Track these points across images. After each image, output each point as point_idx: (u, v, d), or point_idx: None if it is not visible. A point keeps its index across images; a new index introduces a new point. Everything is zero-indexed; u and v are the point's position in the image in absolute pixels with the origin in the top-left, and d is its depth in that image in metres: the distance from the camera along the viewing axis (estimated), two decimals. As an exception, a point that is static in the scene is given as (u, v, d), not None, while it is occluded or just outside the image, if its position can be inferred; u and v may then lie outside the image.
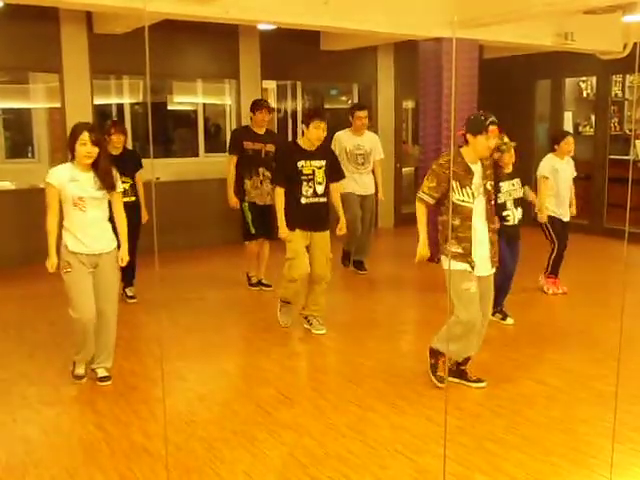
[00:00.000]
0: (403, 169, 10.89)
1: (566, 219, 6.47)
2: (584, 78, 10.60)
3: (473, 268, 4.10)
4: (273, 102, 10.45)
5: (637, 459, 3.44)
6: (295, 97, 10.49)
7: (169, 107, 9.73)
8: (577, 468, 3.38)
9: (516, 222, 5.48)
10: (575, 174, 6.57)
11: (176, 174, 8.63)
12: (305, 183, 5.20)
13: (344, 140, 7.22)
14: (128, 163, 6.00)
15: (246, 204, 6.54)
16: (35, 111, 8.74)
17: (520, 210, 5.52)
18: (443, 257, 4.24)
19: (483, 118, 4.06)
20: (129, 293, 6.41)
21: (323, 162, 5.27)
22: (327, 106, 11.30)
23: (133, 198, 6.07)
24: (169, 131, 9.93)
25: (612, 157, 9.73)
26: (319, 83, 10.85)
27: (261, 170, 6.43)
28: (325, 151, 5.38)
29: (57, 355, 4.90)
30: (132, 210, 5.70)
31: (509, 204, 5.44)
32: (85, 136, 4.12)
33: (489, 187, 4.18)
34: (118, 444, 3.63)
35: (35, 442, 3.72)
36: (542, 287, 6.66)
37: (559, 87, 10.34)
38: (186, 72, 9.06)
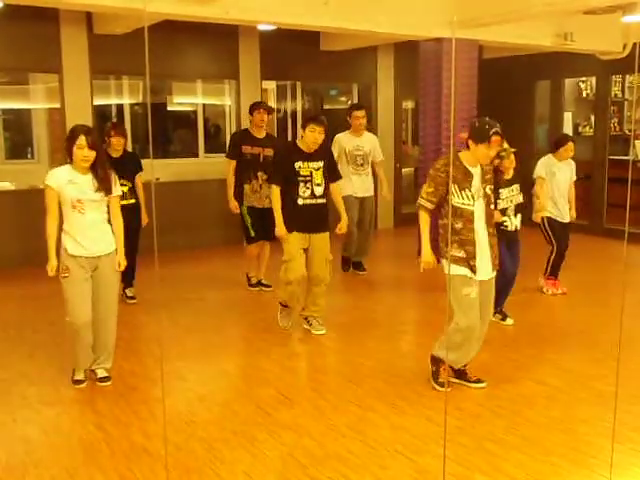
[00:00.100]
0: (403, 169, 10.89)
1: (566, 220, 6.47)
2: (584, 78, 10.60)
3: (475, 273, 4.09)
4: (273, 102, 10.46)
5: (637, 459, 3.44)
6: (295, 97, 10.50)
7: (169, 108, 9.74)
8: (577, 468, 3.38)
9: (513, 229, 5.48)
10: (575, 178, 6.57)
11: (176, 175, 8.63)
12: (302, 184, 5.20)
13: (344, 142, 7.22)
14: (128, 166, 5.99)
15: (245, 208, 6.55)
16: (35, 112, 8.75)
17: (519, 217, 5.52)
18: (444, 261, 4.21)
19: (487, 127, 4.01)
20: (129, 294, 6.41)
21: (321, 163, 5.27)
22: (327, 106, 11.31)
23: (132, 201, 6.07)
24: (169, 132, 9.93)
25: (612, 157, 9.73)
26: (319, 83, 10.86)
27: (260, 174, 6.42)
28: (323, 152, 5.38)
29: (57, 355, 4.90)
30: (132, 213, 5.70)
31: (509, 211, 5.43)
32: (82, 140, 4.11)
33: (488, 191, 4.16)
34: (118, 444, 3.63)
35: (35, 442, 3.72)
36: (541, 288, 6.66)
37: (559, 87, 10.34)
38: (186, 73, 9.06)
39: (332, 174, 5.43)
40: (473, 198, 4.08)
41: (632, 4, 7.22)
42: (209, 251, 8.62)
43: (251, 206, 6.53)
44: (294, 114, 10.50)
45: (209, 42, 8.73)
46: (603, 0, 6.89)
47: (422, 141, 8.30)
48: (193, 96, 9.56)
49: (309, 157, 5.22)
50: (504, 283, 5.27)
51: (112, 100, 9.09)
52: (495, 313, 5.45)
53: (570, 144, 6.40)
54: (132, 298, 6.40)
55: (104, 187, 4.23)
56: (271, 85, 10.29)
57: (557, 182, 6.35)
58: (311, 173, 5.22)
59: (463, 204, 4.07)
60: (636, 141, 10.11)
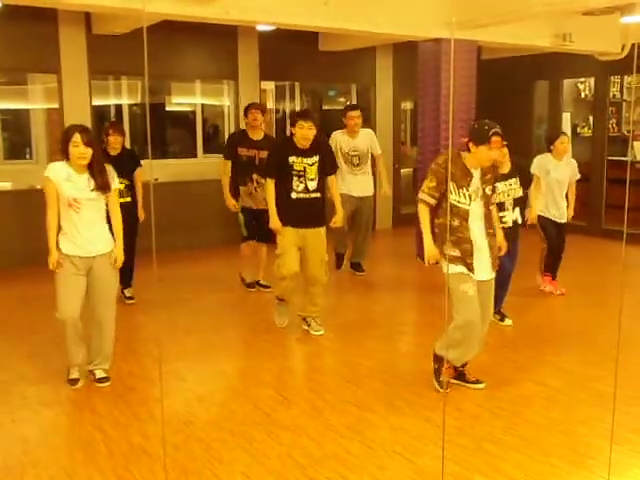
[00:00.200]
0: (401, 170, 10.89)
1: (561, 220, 6.43)
2: (582, 79, 10.61)
3: (472, 271, 4.09)
4: (271, 103, 10.46)
5: (636, 460, 3.45)
6: (294, 98, 10.50)
7: (167, 108, 9.73)
8: (576, 469, 3.38)
9: (511, 224, 5.45)
10: (579, 176, 6.54)
11: (174, 175, 8.63)
12: (296, 178, 5.21)
13: (340, 141, 7.21)
14: (126, 163, 5.99)
15: (239, 207, 6.56)
16: (33, 112, 8.74)
17: (517, 211, 5.49)
18: (442, 261, 4.21)
19: (487, 128, 4.01)
20: (127, 294, 6.41)
21: (316, 158, 5.26)
22: (326, 107, 11.31)
23: (129, 199, 6.06)
24: (167, 132, 9.93)
25: (610, 158, 9.74)
26: (318, 84, 10.86)
27: (255, 177, 6.39)
28: (318, 146, 5.34)
29: (56, 356, 4.88)
30: (128, 211, 5.68)
31: (507, 204, 5.41)
32: (77, 138, 4.09)
33: (488, 192, 4.15)
34: (116, 445, 3.63)
35: (33, 442, 3.71)
36: (539, 286, 6.67)
37: (557, 88, 10.35)
38: (185, 73, 9.06)
39: (328, 167, 5.41)
40: (470, 198, 4.08)
41: (631, 5, 7.23)
42: (208, 251, 8.62)
43: (245, 207, 6.54)
44: (293, 115, 10.48)
45: (208, 42, 8.72)
46: (602, 1, 6.89)
47: (421, 142, 8.30)
48: (192, 96, 9.55)
49: (303, 152, 5.22)
50: (501, 281, 5.21)
51: (111, 100, 9.09)
52: (494, 313, 5.44)
53: (563, 137, 6.39)
54: (131, 298, 6.39)
55: (101, 186, 4.21)
56: (270, 85, 10.29)
57: (551, 180, 6.31)
58: (305, 168, 5.22)
59: (459, 202, 4.07)
60: (634, 142, 10.13)
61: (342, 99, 11.10)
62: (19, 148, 8.80)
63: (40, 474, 3.35)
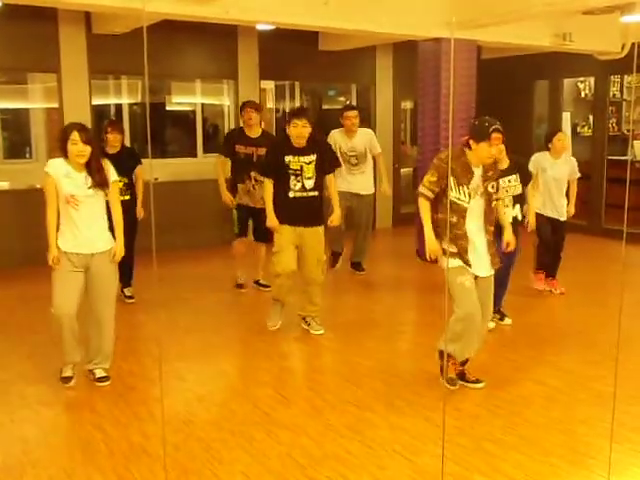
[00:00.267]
0: (401, 169, 10.89)
1: (560, 219, 6.39)
2: (582, 78, 10.61)
3: (469, 266, 4.09)
4: (271, 102, 10.45)
5: (635, 459, 3.45)
6: (293, 97, 10.49)
7: (167, 107, 9.72)
8: (576, 468, 3.38)
9: (511, 220, 5.42)
10: (578, 175, 6.50)
11: (174, 174, 8.62)
12: (293, 177, 5.21)
13: (338, 140, 7.20)
14: (125, 161, 5.96)
15: (235, 204, 6.56)
16: (33, 111, 8.73)
17: (517, 208, 5.47)
18: (441, 257, 4.21)
19: (487, 125, 4.01)
20: (127, 293, 6.41)
21: (313, 157, 5.25)
22: (325, 106, 11.30)
23: (128, 197, 6.05)
24: (167, 131, 9.92)
25: (610, 157, 9.75)
26: (317, 83, 10.85)
27: (253, 174, 6.37)
28: (316, 145, 5.33)
29: (56, 356, 4.85)
30: (127, 209, 5.64)
31: (507, 201, 5.39)
32: (75, 135, 4.09)
33: (490, 189, 4.15)
34: (116, 444, 3.63)
35: (33, 442, 3.71)
36: (532, 284, 6.66)
37: (557, 87, 10.35)
38: (185, 72, 9.05)
39: (327, 166, 5.39)
40: (469, 196, 4.08)
41: (630, 4, 7.23)
42: (208, 251, 8.61)
43: (242, 204, 6.53)
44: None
45: (208, 42, 8.72)
46: (602, 0, 6.89)
47: (421, 141, 8.30)
48: (192, 96, 9.55)
49: (300, 151, 5.22)
50: (499, 280, 5.15)
51: (111, 100, 9.08)
52: (493, 312, 5.43)
53: (560, 134, 6.38)
54: (130, 297, 6.39)
55: (99, 183, 4.20)
56: (270, 85, 10.28)
57: (547, 178, 6.27)
58: (301, 167, 5.21)
59: (459, 200, 4.07)
60: (634, 141, 10.13)
61: (342, 99, 11.09)
62: (19, 147, 8.80)
63: (39, 474, 3.35)
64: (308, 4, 6.56)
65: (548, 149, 6.38)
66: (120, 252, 4.38)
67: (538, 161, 6.30)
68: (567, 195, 6.48)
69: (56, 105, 8.13)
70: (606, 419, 3.64)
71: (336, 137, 7.24)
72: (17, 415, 4.02)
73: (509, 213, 5.39)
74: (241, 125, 6.82)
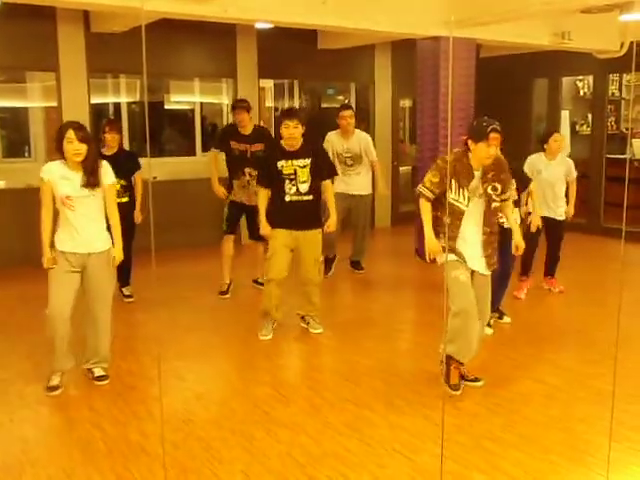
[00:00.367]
0: (400, 168, 10.89)
1: (557, 218, 6.33)
2: (581, 77, 10.62)
3: (464, 260, 4.09)
4: (270, 101, 10.45)
5: (634, 457, 3.45)
6: (292, 96, 10.49)
7: (166, 106, 9.72)
8: (575, 466, 3.38)
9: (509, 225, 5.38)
10: (575, 175, 6.43)
11: (173, 173, 8.62)
12: (287, 182, 5.18)
13: (334, 142, 7.17)
14: (123, 164, 5.91)
15: (228, 201, 6.54)
16: (32, 110, 8.73)
17: (516, 211, 5.45)
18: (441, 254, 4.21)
19: (485, 125, 4.00)
20: (126, 292, 6.40)
21: (307, 161, 5.21)
22: (324, 105, 11.30)
23: (125, 199, 6.03)
24: (166, 130, 9.91)
25: (609, 156, 9.75)
26: (316, 82, 10.85)
27: (247, 170, 6.35)
28: (311, 149, 5.30)
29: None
30: (124, 211, 5.63)
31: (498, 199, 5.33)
32: (71, 134, 4.08)
33: (490, 191, 4.11)
34: (115, 443, 3.63)
35: (32, 441, 3.71)
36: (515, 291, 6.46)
37: (556, 86, 10.35)
38: (183, 71, 9.04)
39: (322, 172, 5.35)
40: (468, 199, 4.06)
41: (629, 3, 7.23)
42: (207, 249, 8.58)
43: (234, 201, 6.50)
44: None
45: (206, 41, 8.71)
46: (600, -1, 6.89)
47: (419, 140, 8.30)
48: (190, 95, 9.54)
49: (293, 155, 5.20)
50: (499, 280, 5.13)
51: (109, 99, 9.07)
52: (492, 311, 5.42)
53: (556, 134, 6.32)
54: (129, 296, 6.39)
55: (91, 181, 4.16)
56: (269, 84, 10.28)
57: (541, 180, 6.17)
58: (295, 171, 5.18)
59: (457, 202, 4.06)
60: (633, 140, 10.13)
61: (341, 97, 11.09)
62: (17, 146, 8.79)
63: (39, 473, 3.35)
64: (306, 3, 6.56)
65: (543, 150, 6.33)
66: (119, 256, 4.37)
67: (533, 163, 6.24)
68: (566, 196, 6.44)
69: (55, 104, 8.12)
70: (605, 417, 3.65)
71: (332, 139, 7.21)
72: (16, 414, 4.02)
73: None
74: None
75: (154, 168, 8.15)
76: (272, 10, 6.40)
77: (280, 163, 5.17)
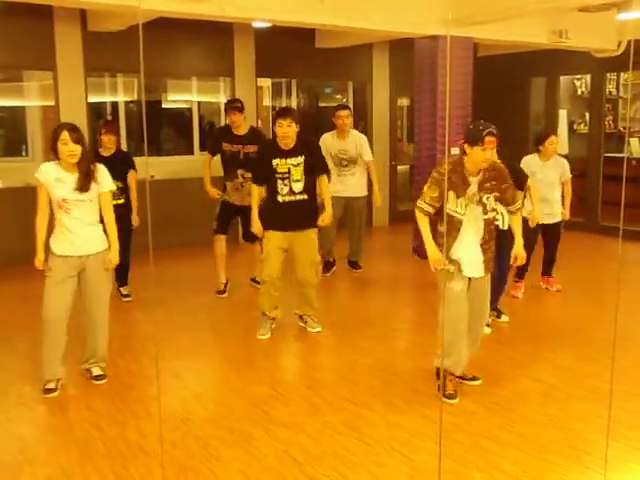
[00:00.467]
0: (398, 167, 10.90)
1: (552, 221, 6.29)
2: (579, 76, 10.62)
3: (460, 269, 4.08)
4: (268, 100, 10.44)
5: (632, 455, 3.46)
6: (290, 95, 10.48)
7: (164, 105, 9.71)
8: (572, 465, 3.39)
9: (506, 227, 5.36)
10: (569, 176, 6.38)
11: (171, 172, 8.61)
12: (280, 181, 5.17)
13: (329, 143, 7.13)
14: (120, 165, 5.89)
15: (221, 201, 6.53)
16: (29, 109, 8.71)
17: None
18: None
19: (481, 128, 3.96)
20: (124, 292, 6.40)
21: (301, 159, 5.19)
22: (322, 104, 11.30)
23: (122, 201, 6.01)
24: (163, 129, 9.91)
25: (607, 155, 9.75)
26: (314, 81, 10.85)
27: (240, 172, 6.33)
28: (304, 147, 5.27)
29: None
30: (121, 213, 5.61)
31: (499, 208, 5.31)
32: (65, 135, 4.07)
33: (485, 200, 4.04)
34: (114, 443, 3.63)
35: (30, 441, 3.71)
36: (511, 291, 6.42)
37: (554, 85, 10.36)
38: (181, 70, 9.04)
39: (316, 168, 5.33)
40: (466, 207, 4.04)
41: (627, 2, 7.24)
42: (204, 249, 8.56)
43: (227, 201, 6.49)
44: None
45: (204, 39, 8.71)
46: (598, -2, 6.90)
47: (417, 138, 8.31)
48: (188, 94, 9.53)
49: (287, 153, 5.18)
50: (497, 281, 5.10)
51: (107, 98, 9.06)
52: (490, 310, 5.41)
53: (552, 137, 6.27)
54: (127, 296, 6.38)
55: (85, 184, 4.14)
56: (266, 83, 10.27)
57: (536, 182, 5.99)
58: (289, 170, 5.17)
59: (456, 212, 4.03)
60: (631, 139, 10.13)
61: (339, 96, 11.09)
62: (15, 145, 8.78)
63: (37, 472, 3.34)
64: (304, 1, 6.56)
65: (538, 151, 6.29)
66: (115, 260, 4.35)
67: (527, 165, 6.16)
68: (562, 197, 6.42)
69: (52, 103, 8.11)
70: (602, 416, 3.65)
71: (327, 140, 7.17)
72: (14, 414, 4.01)
73: (504, 219, 5.33)
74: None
75: (152, 167, 8.14)
76: (269, 9, 6.40)
77: (275, 161, 5.17)
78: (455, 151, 4.20)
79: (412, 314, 6.50)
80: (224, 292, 6.62)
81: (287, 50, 9.08)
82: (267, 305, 5.33)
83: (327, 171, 5.50)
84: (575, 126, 10.69)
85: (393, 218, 10.72)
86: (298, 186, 5.20)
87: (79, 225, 4.19)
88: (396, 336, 5.63)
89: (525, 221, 5.98)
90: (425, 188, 4.10)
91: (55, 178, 4.13)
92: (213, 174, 6.64)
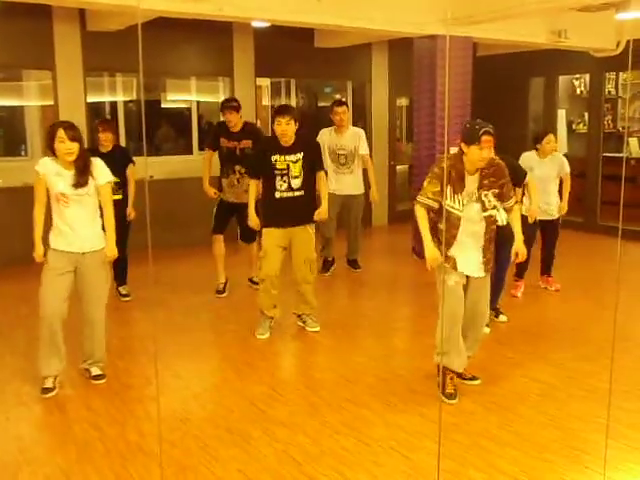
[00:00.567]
0: (397, 167, 10.89)
1: (549, 217, 6.30)
2: (578, 76, 10.62)
3: (454, 267, 4.08)
4: (267, 99, 10.44)
5: (631, 455, 3.46)
6: (289, 94, 10.48)
7: (163, 105, 9.70)
8: (571, 464, 3.39)
9: (505, 223, 5.36)
10: (568, 170, 6.40)
11: (170, 172, 8.61)
12: (279, 177, 5.18)
13: (326, 139, 7.14)
14: (118, 161, 5.89)
15: (218, 199, 6.53)
16: (28, 109, 8.70)
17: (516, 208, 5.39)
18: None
19: (477, 127, 3.96)
20: (122, 291, 6.40)
21: (300, 155, 5.21)
22: (321, 104, 11.29)
23: (120, 196, 6.01)
24: (163, 129, 9.90)
25: (606, 155, 9.76)
26: (313, 80, 10.85)
27: (237, 168, 6.34)
28: (303, 143, 5.28)
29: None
30: (119, 208, 5.61)
31: (498, 204, 5.31)
32: (62, 133, 4.08)
33: (484, 198, 4.06)
34: (112, 442, 3.63)
35: (29, 440, 3.71)
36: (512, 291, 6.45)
37: (553, 85, 10.36)
38: (180, 70, 9.03)
39: (314, 165, 5.34)
40: (463, 204, 4.05)
41: (625, 1, 7.24)
42: (203, 248, 8.57)
43: (224, 200, 6.48)
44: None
45: (203, 39, 8.70)
46: (597, -3, 6.90)
47: (416, 138, 8.30)
48: (187, 93, 9.53)
49: (286, 150, 5.19)
50: (496, 280, 5.10)
51: (106, 97, 9.06)
52: (489, 309, 5.41)
53: (550, 136, 6.30)
54: (126, 296, 6.38)
55: (82, 181, 4.15)
56: (265, 82, 10.26)
57: (534, 178, 5.98)
58: (288, 166, 5.18)
59: (453, 208, 4.04)
60: (630, 138, 10.14)
61: (338, 96, 11.08)
62: (14, 145, 8.77)
63: (36, 472, 3.34)
64: (303, 1, 6.55)
65: (536, 149, 6.32)
66: (110, 252, 4.34)
67: (525, 161, 6.20)
68: (560, 192, 6.44)
69: (51, 102, 8.11)
70: (601, 415, 3.66)
71: (325, 136, 7.18)
72: (13, 413, 4.01)
73: (502, 217, 5.33)
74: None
75: (150, 167, 8.14)
76: (268, 8, 6.39)
77: (274, 157, 5.18)
78: (454, 151, 4.20)
79: (411, 314, 6.50)
80: (223, 292, 6.61)
81: (286, 50, 9.08)
82: (266, 304, 5.34)
83: (322, 168, 5.51)
84: (574, 126, 10.69)
85: (392, 218, 10.72)
86: (296, 182, 5.21)
87: (77, 220, 4.20)
88: (395, 335, 5.64)
89: (524, 218, 6.02)
90: (425, 183, 4.10)
91: (55, 172, 4.15)
92: (212, 174, 6.64)
